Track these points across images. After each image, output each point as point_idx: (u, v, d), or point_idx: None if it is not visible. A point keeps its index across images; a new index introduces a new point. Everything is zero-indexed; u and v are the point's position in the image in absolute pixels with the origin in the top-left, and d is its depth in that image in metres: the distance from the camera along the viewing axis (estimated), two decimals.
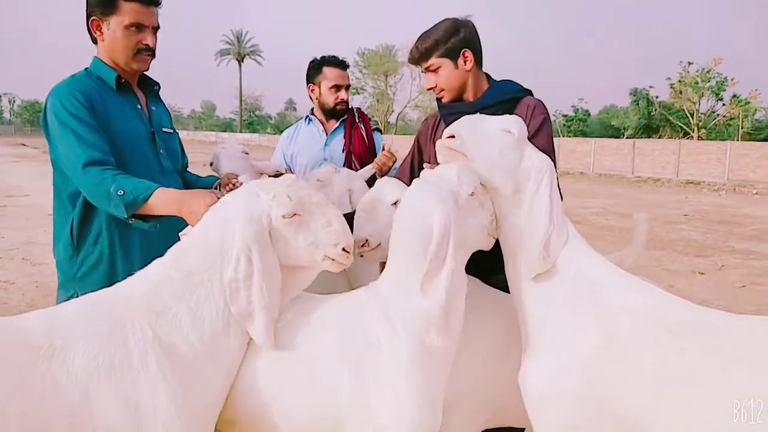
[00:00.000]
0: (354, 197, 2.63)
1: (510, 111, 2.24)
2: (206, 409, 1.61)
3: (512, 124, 1.85)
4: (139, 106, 2.31)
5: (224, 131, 71.72)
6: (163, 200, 1.91)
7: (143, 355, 1.50)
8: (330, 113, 3.34)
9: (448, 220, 1.62)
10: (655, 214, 14.15)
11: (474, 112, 2.15)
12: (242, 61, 68.00)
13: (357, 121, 3.34)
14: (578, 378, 1.63)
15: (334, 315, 1.78)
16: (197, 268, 1.64)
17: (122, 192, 1.90)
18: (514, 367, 1.83)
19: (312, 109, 3.46)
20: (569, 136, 42.47)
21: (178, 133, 2.56)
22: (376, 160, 3.00)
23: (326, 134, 3.38)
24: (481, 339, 1.99)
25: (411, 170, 2.52)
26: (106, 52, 2.23)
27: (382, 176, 2.88)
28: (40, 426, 1.35)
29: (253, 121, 79.61)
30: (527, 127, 2.11)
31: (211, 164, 2.81)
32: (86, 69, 2.26)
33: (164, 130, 2.39)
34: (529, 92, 2.39)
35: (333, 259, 1.77)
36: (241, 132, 63.93)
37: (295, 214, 1.69)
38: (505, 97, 2.33)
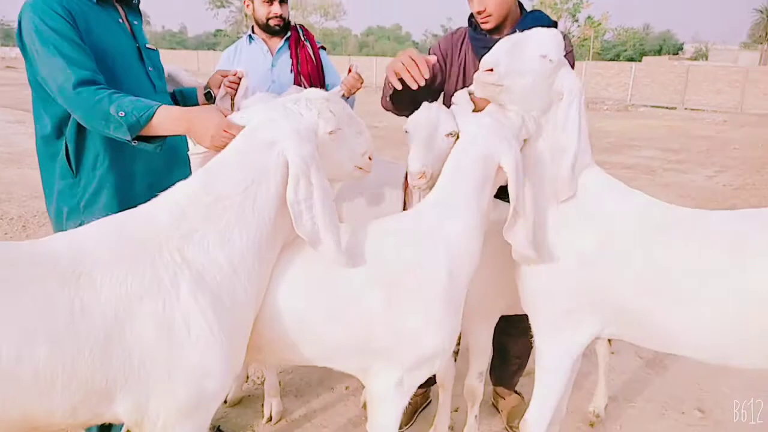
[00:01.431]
0: None
1: None
2: (238, 329, 1.59)
3: (552, 49, 1.85)
4: (120, 20, 2.08)
5: None
6: (169, 119, 1.77)
7: (173, 278, 1.46)
8: (266, 29, 3.11)
9: (519, 165, 1.75)
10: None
11: None
12: None
13: (302, 38, 3.13)
14: (575, 274, 1.87)
15: (369, 240, 1.77)
16: (229, 191, 1.58)
17: (123, 113, 1.74)
18: (514, 265, 2.04)
19: (252, 27, 3.19)
20: None
21: (158, 51, 2.32)
22: (344, 81, 2.83)
23: (271, 54, 3.15)
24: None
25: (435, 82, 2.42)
26: None
27: (348, 98, 2.81)
28: (70, 352, 1.33)
29: None
30: None
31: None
32: None
33: (148, 46, 2.17)
34: (556, 24, 2.37)
35: (361, 168, 1.85)
36: None
37: (338, 129, 1.72)
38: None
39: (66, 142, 1.96)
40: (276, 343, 1.78)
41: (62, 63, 1.77)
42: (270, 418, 2.75)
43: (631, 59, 36.35)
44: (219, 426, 2.69)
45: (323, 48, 3.30)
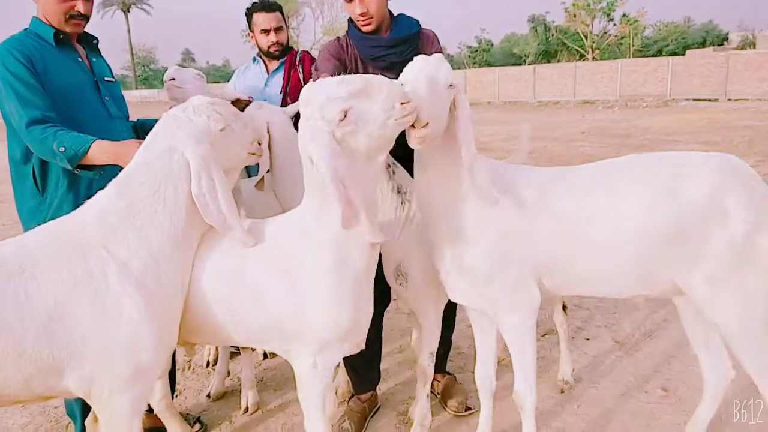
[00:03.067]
0: (273, 128, 2.76)
1: (415, 43, 2.56)
2: (165, 309, 1.85)
3: (450, 75, 1.95)
4: (80, 59, 2.41)
5: None
6: (100, 152, 2.11)
7: (102, 269, 1.74)
8: (268, 55, 3.47)
9: (330, 164, 1.70)
10: (557, 135, 14.90)
11: (395, 45, 2.51)
12: (128, 11, 63.05)
13: (297, 63, 3.45)
14: (510, 245, 2.08)
15: (270, 234, 2.00)
16: (140, 196, 1.85)
17: (63, 149, 2.08)
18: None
19: (258, 52, 3.58)
20: (475, 67, 43.04)
21: (119, 83, 2.68)
22: None
23: (267, 74, 3.50)
24: None
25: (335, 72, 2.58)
26: (42, 13, 2.33)
27: None
28: (18, 331, 1.61)
29: (148, 76, 74.68)
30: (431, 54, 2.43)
31: (172, 80, 2.94)
32: (26, 29, 2.34)
33: (106, 79, 2.51)
34: (419, 24, 2.62)
35: (253, 153, 2.13)
36: (136, 88, 59.98)
37: (227, 126, 1.97)
38: (413, 31, 2.58)
39: (33, 167, 2.29)
40: (208, 326, 2.02)
41: (17, 104, 2.14)
42: (246, 409, 2.98)
43: (674, 53, 35.30)
44: (200, 417, 2.93)
45: None
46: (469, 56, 50.01)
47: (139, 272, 1.79)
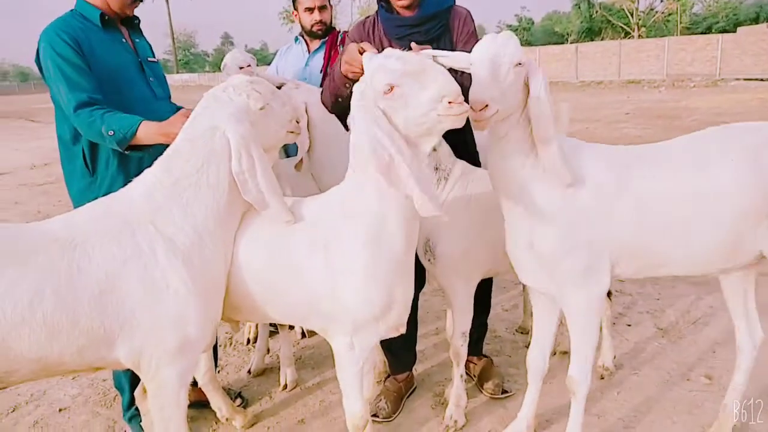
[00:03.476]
0: (311, 109, 2.83)
1: (445, 21, 2.49)
2: (209, 284, 1.92)
3: (518, 53, 1.91)
4: (123, 40, 2.47)
5: None
6: (148, 132, 2.16)
7: (150, 244, 1.81)
8: (311, 34, 3.50)
9: (370, 130, 1.74)
10: (599, 116, 14.52)
11: (420, 23, 2.45)
12: None
13: (338, 42, 3.46)
14: (585, 228, 2.04)
15: (309, 211, 2.03)
16: (185, 173, 1.91)
17: (112, 132, 2.15)
18: (498, 229, 2.26)
19: (301, 32, 3.63)
20: None
21: (160, 63, 2.73)
22: None
23: (309, 54, 3.54)
24: (465, 208, 2.43)
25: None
26: None
27: None
28: (71, 303, 1.69)
29: (188, 60, 75.79)
30: (462, 33, 2.48)
31: (223, 68, 3.26)
32: (71, 10, 2.39)
33: (149, 59, 2.56)
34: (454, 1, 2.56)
35: (292, 132, 2.14)
36: (177, 72, 60.92)
37: (266, 104, 1.99)
38: (443, 6, 2.50)
39: (82, 147, 2.36)
40: (249, 303, 2.06)
41: (65, 86, 2.19)
42: (285, 386, 3.05)
43: (724, 31, 33.77)
44: (240, 392, 3.01)
45: None
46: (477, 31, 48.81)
47: (185, 248, 1.85)
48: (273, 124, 2.05)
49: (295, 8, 3.52)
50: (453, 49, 2.45)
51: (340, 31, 3.53)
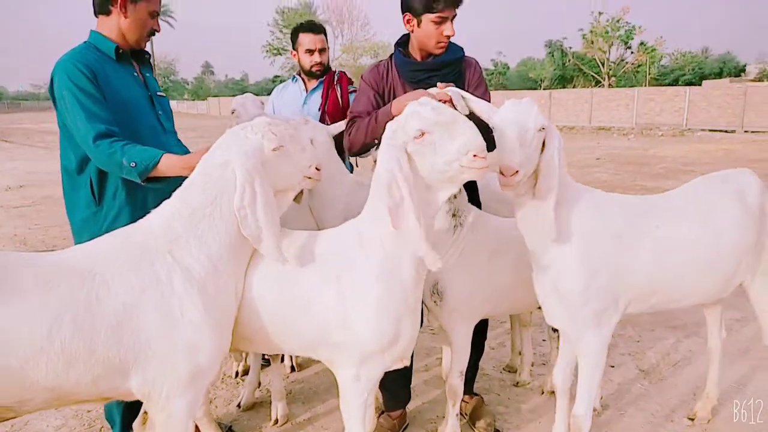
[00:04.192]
0: (315, 145, 2.91)
1: (459, 68, 2.65)
2: (222, 313, 1.95)
3: (541, 118, 2.06)
4: (135, 74, 2.52)
5: None
6: (170, 165, 2.20)
7: (167, 274, 1.85)
8: (309, 74, 3.62)
9: (390, 166, 1.83)
10: (571, 160, 14.93)
11: (439, 69, 2.58)
12: None
13: (335, 82, 3.59)
14: (604, 274, 2.21)
15: (321, 244, 2.10)
16: (200, 204, 1.96)
17: (134, 164, 2.17)
18: (502, 272, 2.53)
19: (299, 71, 3.73)
20: (491, 90, 43.06)
21: (167, 97, 2.78)
22: None
23: (306, 93, 3.64)
24: (474, 254, 2.51)
25: (371, 106, 2.66)
26: (118, 28, 2.42)
27: None
28: (89, 332, 1.70)
29: (168, 87, 75.63)
30: (474, 79, 2.66)
31: (233, 112, 3.24)
32: (85, 42, 2.42)
33: (158, 94, 2.61)
34: (463, 50, 2.70)
35: (309, 177, 2.17)
36: None
37: (281, 146, 2.04)
38: (458, 56, 2.65)
39: (90, 176, 2.37)
40: (260, 334, 2.10)
41: (83, 117, 2.21)
42: (276, 421, 3.03)
43: (690, 83, 35.35)
44: (231, 426, 2.99)
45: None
46: (486, 79, 50.16)
47: (200, 277, 1.89)
48: (287, 166, 2.09)
49: (295, 49, 3.64)
50: None
51: (336, 71, 3.65)
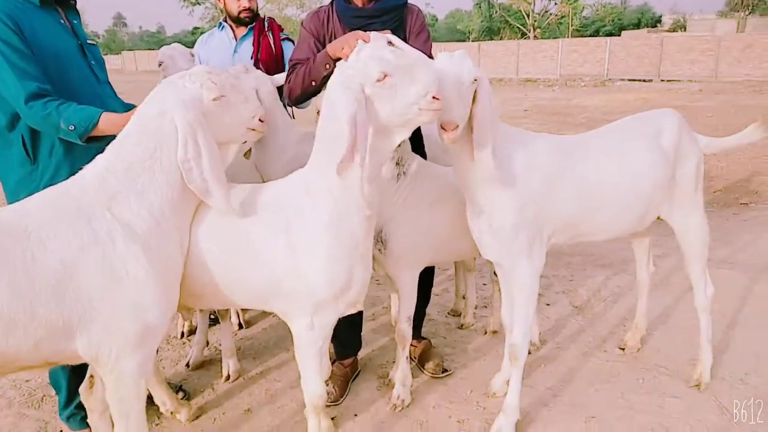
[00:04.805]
0: (262, 96, 2.82)
1: (400, 15, 2.62)
2: (168, 269, 1.90)
3: (474, 68, 2.07)
4: (62, 21, 2.30)
5: None
6: (110, 123, 2.08)
7: (108, 231, 1.77)
8: (237, 21, 3.39)
9: (352, 108, 1.78)
10: (501, 112, 15.22)
11: (379, 15, 2.55)
12: None
13: (266, 29, 3.39)
14: (532, 207, 2.33)
15: (268, 195, 2.07)
16: (138, 158, 1.88)
17: (73, 126, 2.06)
18: (443, 220, 2.59)
19: (225, 17, 3.49)
20: None
21: (98, 46, 2.56)
22: None
23: (236, 41, 3.43)
24: (417, 203, 2.55)
25: (312, 53, 2.60)
26: None
27: None
28: (28, 294, 1.63)
29: None
30: (415, 26, 2.62)
31: (160, 64, 3.02)
32: None
33: (89, 42, 2.41)
34: None
35: (253, 129, 2.11)
36: None
37: (222, 96, 1.96)
38: (399, 3, 2.61)
39: (22, 134, 2.20)
40: (209, 289, 2.07)
41: (11, 75, 2.03)
42: (228, 377, 3.03)
43: (611, 34, 36.51)
44: (181, 385, 2.96)
45: (290, 40, 3.53)
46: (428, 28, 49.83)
47: (143, 233, 1.83)
48: (229, 118, 2.02)
49: None
50: (405, 41, 2.57)
51: (266, 17, 3.47)
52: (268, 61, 3.31)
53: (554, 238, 2.50)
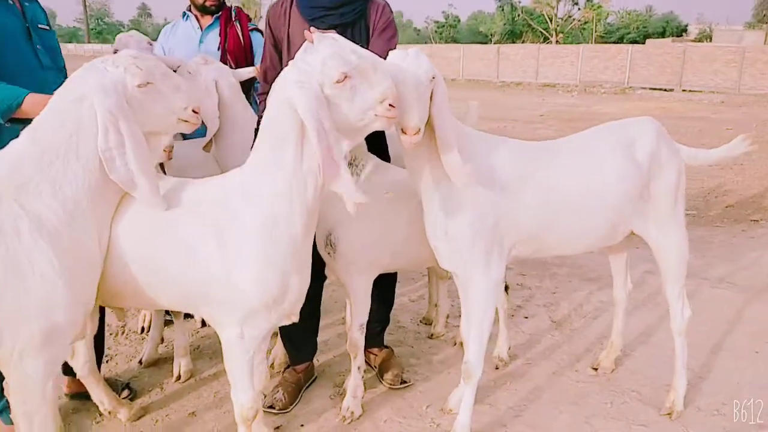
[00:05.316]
0: (221, 89, 2.77)
1: (362, 8, 2.46)
2: (81, 267, 1.78)
3: (430, 67, 1.96)
4: (11, 2, 2.25)
5: (69, 42, 63.69)
6: (34, 104, 1.97)
7: (13, 224, 1.65)
8: (202, 9, 3.26)
9: (315, 109, 1.68)
10: (516, 116, 15.04)
11: (336, 7, 2.40)
12: None
13: (233, 19, 3.27)
14: (490, 215, 2.19)
15: (204, 191, 1.94)
16: (52, 144, 1.76)
17: None
18: (398, 224, 2.45)
19: (189, 6, 3.35)
20: (441, 43, 42.79)
21: (55, 32, 2.51)
22: (258, 66, 2.96)
23: (201, 31, 3.30)
24: (370, 205, 2.28)
25: (275, 54, 2.57)
26: None
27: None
28: None
29: (102, 29, 71.25)
30: (380, 22, 2.47)
31: (115, 52, 2.74)
32: None
33: (40, 26, 2.35)
34: None
35: (186, 121, 1.98)
36: (89, 42, 57.07)
37: (148, 83, 1.84)
38: None
39: None
40: (131, 288, 1.94)
41: None
42: (179, 377, 2.92)
43: (635, 42, 35.96)
44: (128, 383, 2.85)
45: (258, 30, 3.42)
46: (436, 31, 49.72)
47: (53, 226, 1.71)
48: (157, 106, 1.90)
49: None
50: (368, 37, 2.47)
51: (232, 7, 3.35)
52: (236, 51, 3.20)
53: (516, 249, 2.34)
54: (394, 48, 2.41)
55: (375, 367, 2.99)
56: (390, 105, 1.75)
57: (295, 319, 2.04)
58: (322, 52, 1.74)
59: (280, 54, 2.54)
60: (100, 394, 2.52)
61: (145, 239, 1.90)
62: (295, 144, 1.79)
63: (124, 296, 1.99)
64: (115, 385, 2.73)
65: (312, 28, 1.86)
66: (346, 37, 2.05)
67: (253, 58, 3.29)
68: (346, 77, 1.70)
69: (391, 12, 2.56)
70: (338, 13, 2.41)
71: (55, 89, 2.21)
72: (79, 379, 2.50)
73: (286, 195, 1.83)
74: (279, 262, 1.87)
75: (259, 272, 1.84)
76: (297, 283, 1.95)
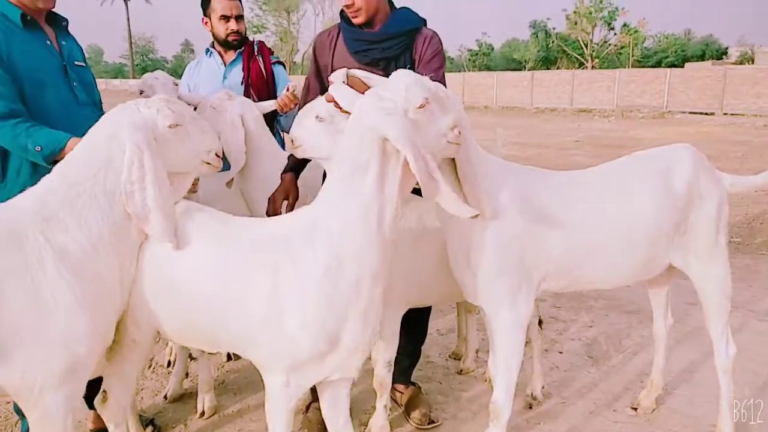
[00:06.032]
0: (247, 123, 2.79)
1: (411, 41, 2.45)
2: (102, 300, 1.79)
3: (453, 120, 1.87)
4: (48, 42, 2.33)
5: (115, 77, 66.52)
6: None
7: (39, 256, 1.67)
8: (225, 45, 3.31)
9: (408, 135, 1.63)
10: (551, 142, 14.86)
11: (379, 41, 2.41)
12: None
13: (255, 53, 3.31)
14: (518, 250, 2.12)
15: (267, 230, 1.91)
16: (80, 178, 1.80)
17: (39, 148, 2.06)
18: (426, 259, 2.37)
19: (212, 42, 3.40)
20: (474, 71, 42.94)
21: (90, 67, 2.59)
22: (278, 99, 3.01)
23: (225, 66, 3.34)
24: (399, 237, 2.21)
25: (317, 84, 2.59)
26: None
27: (282, 115, 3.07)
28: None
29: (147, 65, 74.18)
30: (426, 53, 2.44)
31: (141, 92, 2.91)
32: None
33: (76, 63, 2.43)
34: (424, 21, 2.52)
35: (208, 163, 2.03)
36: (133, 77, 59.49)
37: (178, 124, 1.90)
38: (407, 27, 2.46)
39: None
40: (175, 324, 1.95)
41: None
42: (203, 413, 2.88)
43: (673, 65, 35.34)
44: (153, 419, 2.83)
45: (280, 63, 3.48)
46: (470, 59, 49.97)
47: (77, 259, 1.73)
48: (184, 147, 1.97)
49: (207, 15, 3.26)
50: (413, 68, 2.41)
51: (254, 41, 3.39)
52: (259, 85, 3.23)
53: (546, 283, 2.24)
54: (443, 78, 2.40)
55: (401, 405, 2.89)
56: (459, 132, 1.78)
57: (354, 375, 1.94)
58: (404, 79, 1.77)
59: (322, 83, 2.54)
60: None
61: (203, 280, 1.87)
62: (376, 172, 1.70)
63: (166, 332, 2.00)
64: (140, 421, 2.71)
65: (331, 77, 1.86)
66: (390, 70, 2.08)
67: (275, 90, 3.32)
68: (427, 102, 1.72)
69: (440, 42, 2.50)
70: (381, 47, 2.42)
71: (91, 124, 2.28)
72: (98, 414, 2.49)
73: (359, 225, 1.73)
74: (337, 309, 1.76)
75: (313, 319, 1.74)
76: (356, 332, 1.81)
